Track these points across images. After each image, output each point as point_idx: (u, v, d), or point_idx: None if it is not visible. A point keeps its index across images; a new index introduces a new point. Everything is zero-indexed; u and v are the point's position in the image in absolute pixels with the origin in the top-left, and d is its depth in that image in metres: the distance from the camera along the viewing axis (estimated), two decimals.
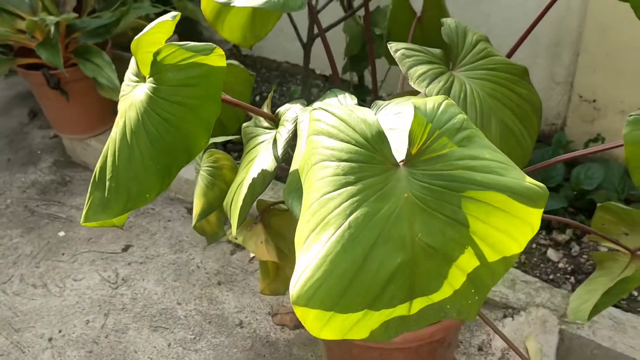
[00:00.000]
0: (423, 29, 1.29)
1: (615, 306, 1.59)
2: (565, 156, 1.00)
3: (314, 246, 0.61)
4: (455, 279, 0.63)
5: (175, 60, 0.79)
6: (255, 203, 1.08)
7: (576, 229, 1.83)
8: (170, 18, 0.82)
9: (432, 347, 1.15)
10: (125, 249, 1.84)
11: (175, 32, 2.27)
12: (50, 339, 1.58)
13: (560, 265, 1.76)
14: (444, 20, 0.96)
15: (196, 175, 1.18)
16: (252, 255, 1.79)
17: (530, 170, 1.04)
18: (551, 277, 1.72)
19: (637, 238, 1.16)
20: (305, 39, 1.83)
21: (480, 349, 1.48)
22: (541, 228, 1.86)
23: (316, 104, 0.70)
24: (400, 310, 0.64)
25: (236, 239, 1.40)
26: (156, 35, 0.83)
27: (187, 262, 1.77)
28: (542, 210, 0.62)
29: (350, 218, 0.61)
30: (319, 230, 0.61)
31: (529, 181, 0.62)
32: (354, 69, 2.00)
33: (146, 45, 0.82)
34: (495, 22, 1.93)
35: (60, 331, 1.60)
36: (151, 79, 0.80)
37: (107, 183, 0.84)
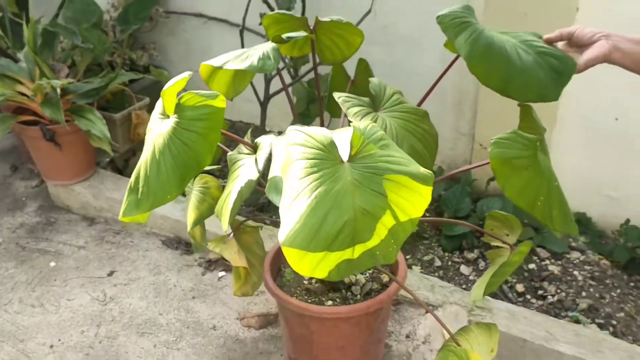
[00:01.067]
0: (356, 88, 1.69)
1: (510, 302, 1.99)
2: (447, 175, 1.40)
3: (293, 210, 0.96)
4: (381, 232, 0.99)
5: (192, 103, 1.14)
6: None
7: (482, 251, 2.24)
8: (186, 75, 1.18)
9: (369, 320, 1.49)
10: (110, 274, 2.11)
11: (147, 95, 2.62)
12: (51, 346, 1.82)
13: (471, 277, 2.15)
14: (371, 79, 1.36)
15: (187, 196, 1.51)
16: (220, 275, 2.09)
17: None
18: (463, 286, 2.10)
19: (514, 237, 1.55)
20: (262, 99, 2.22)
21: (407, 336, 1.83)
22: (454, 249, 2.25)
23: (291, 127, 1.07)
24: (347, 254, 0.99)
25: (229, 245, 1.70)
26: (175, 87, 1.18)
27: (165, 282, 2.06)
28: (431, 188, 1.00)
29: (315, 192, 0.97)
30: (296, 200, 0.97)
31: (423, 170, 1.00)
32: (301, 124, 2.39)
33: (170, 94, 1.17)
34: (411, 80, 2.38)
35: (59, 339, 1.84)
36: (175, 115, 1.15)
37: (140, 189, 1.17)
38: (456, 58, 1.29)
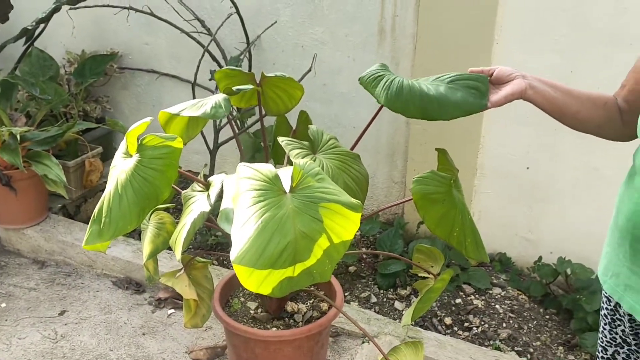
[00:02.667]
0: (297, 137, 1.86)
1: (439, 333, 2.15)
2: (377, 210, 1.57)
3: (242, 232, 1.10)
4: (317, 252, 1.14)
5: (153, 143, 1.28)
6: (180, 257, 1.51)
7: (415, 288, 2.40)
8: (147, 120, 1.32)
9: (310, 344, 1.61)
10: (62, 313, 2.16)
11: (99, 144, 2.72)
12: None
13: (404, 312, 2.31)
14: (310, 126, 1.54)
15: (143, 231, 1.62)
16: (170, 312, 2.17)
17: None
18: (397, 320, 2.25)
19: (438, 267, 1.73)
20: (211, 148, 2.37)
21: None
22: (389, 287, 2.42)
23: (241, 164, 1.22)
24: (289, 272, 1.13)
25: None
26: (137, 130, 1.32)
27: (115, 320, 2.12)
28: (360, 214, 1.16)
29: (262, 218, 1.11)
30: (246, 224, 1.11)
31: (353, 199, 1.16)
32: None
33: (133, 135, 1.31)
34: (348, 132, 2.59)
35: None
36: (137, 154, 1.28)
37: (103, 219, 1.28)
38: (380, 108, 1.47)
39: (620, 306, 1.17)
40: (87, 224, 2.61)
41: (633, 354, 1.20)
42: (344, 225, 1.15)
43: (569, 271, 2.29)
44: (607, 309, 1.23)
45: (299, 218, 1.13)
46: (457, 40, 2.27)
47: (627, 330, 1.19)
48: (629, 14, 1.99)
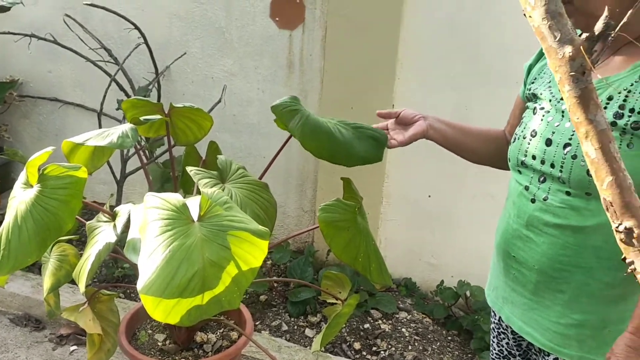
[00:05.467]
0: (207, 167, 1.87)
1: (347, 357, 2.18)
2: (285, 238, 1.60)
3: (150, 262, 1.10)
4: (226, 280, 1.15)
5: (56, 173, 1.25)
6: (85, 290, 1.46)
7: (325, 315, 2.43)
8: (49, 149, 1.28)
9: None
10: None
11: None
12: None
13: (315, 338, 2.33)
14: (218, 156, 1.55)
15: (43, 265, 1.55)
16: (72, 349, 2.08)
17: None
18: (308, 347, 2.27)
19: (345, 293, 1.77)
20: (118, 178, 2.32)
21: None
22: (299, 314, 2.43)
23: (149, 193, 1.21)
24: (197, 300, 1.13)
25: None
26: (39, 159, 1.28)
27: (13, 359, 2.00)
28: (267, 241, 1.18)
29: (170, 247, 1.11)
30: (153, 254, 1.10)
31: (260, 227, 1.18)
32: None
33: (33, 165, 1.27)
34: (258, 162, 2.61)
35: None
36: (38, 184, 1.24)
37: (1, 252, 1.22)
38: (288, 138, 1.52)
39: (502, 319, 1.28)
40: None
41: None
42: (252, 253, 1.17)
43: (468, 293, 2.40)
44: (493, 322, 1.35)
45: (207, 246, 1.14)
46: (362, 75, 2.37)
47: (510, 342, 1.29)
48: (512, 54, 2.17)
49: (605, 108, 1.09)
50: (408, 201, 2.53)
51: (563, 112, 1.14)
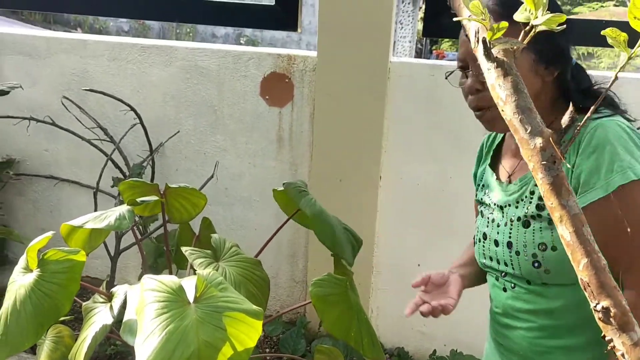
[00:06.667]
0: (200, 243, 1.90)
1: None
2: (278, 314, 1.62)
3: (146, 345, 1.12)
4: None
5: (56, 257, 1.28)
6: None
7: None
8: (49, 234, 1.32)
9: None
10: None
11: None
12: None
13: None
14: (212, 235, 1.59)
15: (39, 346, 1.56)
16: None
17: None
18: None
19: None
20: (112, 254, 2.34)
21: None
22: None
23: (145, 275, 1.25)
24: None
25: None
26: (39, 244, 1.32)
27: None
28: (261, 321, 1.21)
29: (166, 330, 1.13)
30: (150, 337, 1.13)
31: (254, 307, 1.21)
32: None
33: (34, 250, 1.30)
34: (249, 234, 2.65)
35: None
36: (38, 269, 1.28)
37: None
38: (286, 221, 1.60)
39: None
40: None
41: None
42: (246, 333, 1.19)
43: None
44: None
45: (203, 328, 1.16)
46: (350, 148, 2.46)
47: None
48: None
49: (530, 202, 1.17)
50: (398, 270, 2.56)
51: (502, 213, 1.23)
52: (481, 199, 1.34)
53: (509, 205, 1.23)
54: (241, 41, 17.52)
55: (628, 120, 1.16)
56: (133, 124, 2.60)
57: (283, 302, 2.78)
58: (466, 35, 1.03)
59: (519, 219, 1.20)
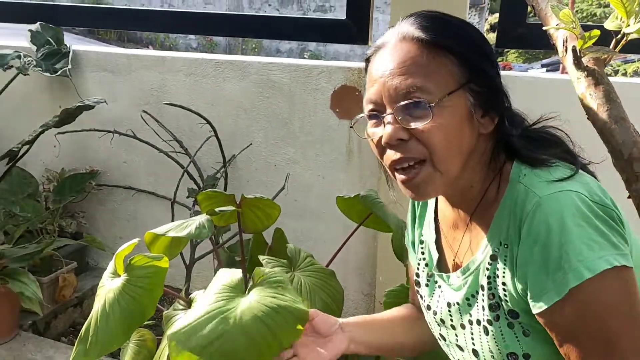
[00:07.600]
0: (272, 252, 1.94)
1: None
2: None
3: (189, 315, 1.14)
4: (252, 351, 1.18)
5: (141, 263, 1.35)
6: None
7: None
8: (135, 241, 1.39)
9: None
10: None
11: (73, 259, 2.72)
12: None
13: None
14: (288, 245, 1.63)
15: (123, 349, 1.63)
16: None
17: None
18: None
19: None
20: (188, 262, 2.42)
21: None
22: None
23: (222, 269, 1.29)
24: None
25: None
26: (125, 251, 1.39)
27: None
28: (303, 327, 1.19)
29: (211, 305, 1.17)
30: (194, 310, 1.16)
31: (302, 310, 1.20)
32: None
33: (121, 256, 1.37)
34: (318, 245, 2.68)
35: None
36: (125, 274, 1.34)
37: (90, 338, 1.31)
38: (357, 228, 1.60)
39: None
40: (57, 340, 2.58)
41: None
42: (285, 334, 1.17)
43: None
44: None
45: (245, 314, 1.16)
46: None
47: None
48: None
49: (483, 301, 1.00)
50: None
51: (454, 314, 1.10)
52: (422, 282, 1.21)
53: (458, 304, 1.06)
54: (305, 55, 17.77)
55: (590, 173, 0.97)
56: (208, 137, 2.69)
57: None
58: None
59: (478, 322, 1.02)
